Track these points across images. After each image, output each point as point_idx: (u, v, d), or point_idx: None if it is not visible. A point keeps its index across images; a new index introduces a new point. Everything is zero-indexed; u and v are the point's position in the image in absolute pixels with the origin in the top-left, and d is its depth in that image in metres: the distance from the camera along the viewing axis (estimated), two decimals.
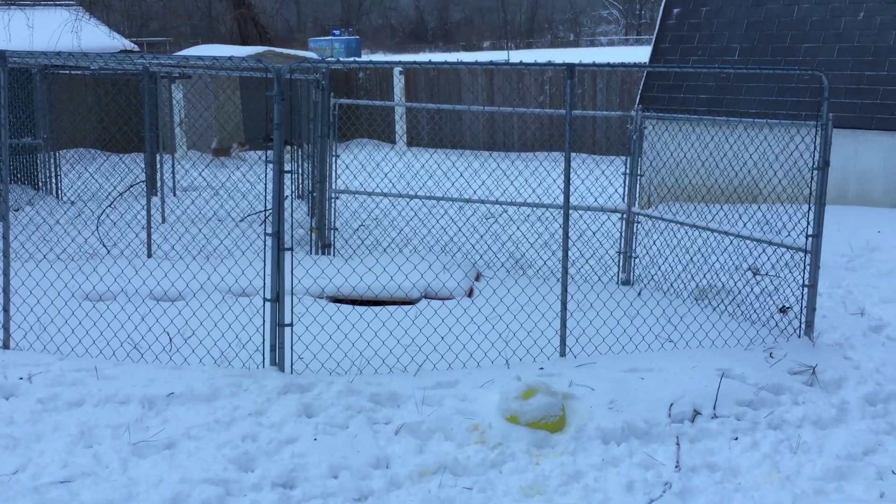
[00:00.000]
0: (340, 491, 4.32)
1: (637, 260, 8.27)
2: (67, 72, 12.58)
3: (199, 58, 6.06)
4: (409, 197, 9.15)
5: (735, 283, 7.61)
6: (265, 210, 9.52)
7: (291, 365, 5.65)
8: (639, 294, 7.53)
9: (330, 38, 48.15)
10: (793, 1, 12.30)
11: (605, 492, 4.39)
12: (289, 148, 10.96)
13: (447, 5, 78.26)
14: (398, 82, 20.07)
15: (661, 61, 12.74)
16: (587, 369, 5.66)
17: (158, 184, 11.39)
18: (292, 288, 5.81)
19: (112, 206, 11.41)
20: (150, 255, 9.01)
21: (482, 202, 8.94)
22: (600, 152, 17.56)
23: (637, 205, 8.21)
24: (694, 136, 8.01)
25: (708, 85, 12.24)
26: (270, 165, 5.44)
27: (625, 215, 8.21)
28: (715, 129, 7.97)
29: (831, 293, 7.70)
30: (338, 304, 7.11)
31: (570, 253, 6.36)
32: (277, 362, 5.61)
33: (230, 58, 5.76)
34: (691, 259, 8.22)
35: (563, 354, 5.99)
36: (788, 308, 6.88)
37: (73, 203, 11.97)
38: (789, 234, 6.99)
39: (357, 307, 6.94)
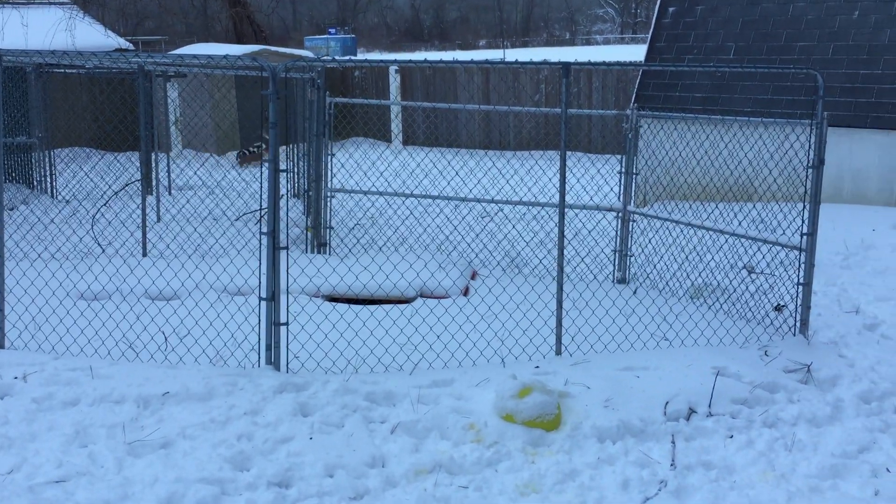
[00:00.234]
0: (336, 490, 4.32)
1: (632, 258, 8.28)
2: (62, 70, 12.54)
3: (195, 56, 6.06)
4: (405, 196, 9.15)
5: (730, 281, 7.62)
6: (260, 209, 9.50)
7: (287, 364, 5.64)
8: (634, 292, 7.54)
9: (326, 36, 48.07)
10: None
11: (601, 490, 4.40)
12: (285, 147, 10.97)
13: (443, 4, 78.25)
14: (394, 81, 20.06)
15: (656, 60, 12.75)
16: (583, 368, 5.66)
17: (153, 182, 11.38)
18: (288, 287, 5.81)
19: (107, 204, 11.39)
20: (145, 254, 8.99)
21: (478, 201, 8.95)
22: (596, 151, 17.57)
23: (632, 203, 8.22)
24: (689, 134, 8.02)
25: (703, 84, 12.26)
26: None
27: (620, 214, 8.22)
28: (710, 128, 7.98)
29: (826, 291, 7.71)
30: (333, 303, 7.11)
31: (565, 251, 6.36)
32: (273, 361, 5.61)
33: (225, 56, 5.76)
34: (687, 257, 8.23)
35: (558, 353, 5.99)
36: (783, 306, 6.89)
37: (67, 202, 11.95)
38: (784, 233, 7.00)
39: (353, 306, 6.94)
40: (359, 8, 74.91)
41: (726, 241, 7.94)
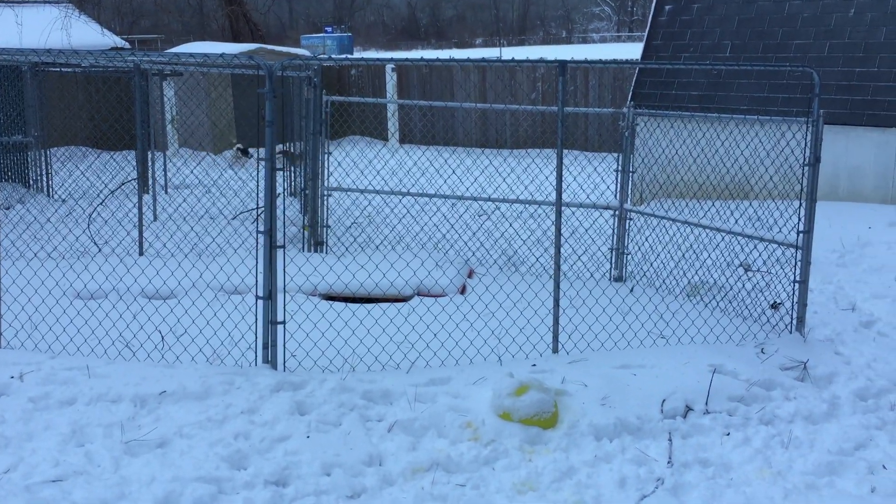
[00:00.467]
0: (333, 488, 4.32)
1: (629, 256, 8.29)
2: (58, 69, 12.52)
3: (191, 55, 6.05)
4: (402, 194, 9.15)
5: (727, 279, 7.63)
6: (257, 208, 9.50)
7: (284, 363, 5.64)
8: (631, 290, 7.55)
9: (322, 35, 48.01)
10: None
11: (598, 488, 4.40)
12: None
13: (439, 2, 78.22)
14: (390, 79, 20.05)
15: (652, 58, 12.75)
16: (580, 366, 5.67)
17: (150, 181, 11.36)
18: (285, 285, 5.81)
19: (103, 203, 11.37)
20: (141, 253, 8.98)
21: (474, 199, 8.94)
22: (592, 149, 17.58)
23: (629, 201, 8.23)
24: (686, 132, 8.03)
25: (699, 81, 12.26)
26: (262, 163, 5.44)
27: (617, 212, 8.22)
28: (706, 126, 7.98)
29: (822, 289, 7.72)
30: (330, 302, 7.11)
31: (562, 250, 6.37)
32: (270, 360, 5.61)
33: (222, 55, 5.75)
34: (683, 255, 8.23)
35: (555, 351, 6.00)
36: (780, 304, 6.90)
37: (64, 201, 11.93)
38: (780, 231, 7.01)
39: (350, 304, 6.94)
40: (355, 6, 74.87)
41: (723, 238, 7.94)
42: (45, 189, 12.61)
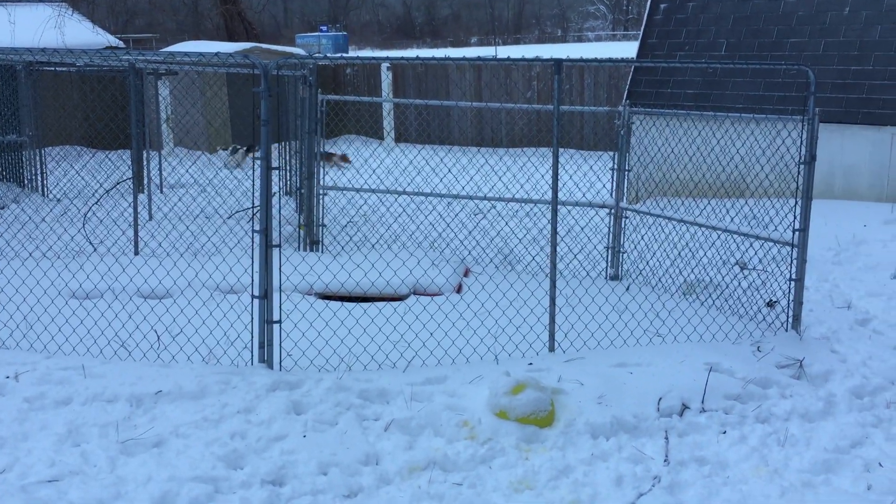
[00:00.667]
0: (330, 488, 4.32)
1: (625, 255, 8.29)
2: (53, 68, 12.49)
3: (186, 54, 6.03)
4: (398, 193, 9.14)
5: (722, 277, 7.64)
6: (253, 207, 9.49)
7: (280, 362, 5.63)
8: (627, 289, 7.55)
9: (317, 34, 47.97)
10: None
11: (595, 486, 4.40)
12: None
13: (434, 1, 78.20)
14: (386, 78, 20.03)
15: (648, 56, 12.76)
16: (576, 364, 5.67)
17: (145, 181, 11.34)
18: (280, 285, 5.80)
19: (98, 203, 11.34)
20: (136, 253, 8.96)
21: (470, 198, 8.94)
22: (588, 148, 17.59)
23: (625, 200, 8.23)
24: (681, 131, 8.03)
25: (695, 80, 12.27)
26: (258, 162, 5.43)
27: (613, 210, 8.23)
28: (702, 124, 7.99)
29: (818, 287, 7.74)
30: (326, 301, 7.10)
31: (558, 248, 6.37)
32: (266, 359, 5.60)
33: (217, 54, 5.74)
34: (679, 254, 8.24)
35: (551, 350, 6.00)
36: (776, 302, 6.91)
37: (58, 200, 11.90)
38: (776, 229, 7.02)
39: (346, 303, 6.93)
40: (350, 5, 74.80)
41: (718, 237, 7.95)
42: (39, 188, 12.58)
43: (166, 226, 10.17)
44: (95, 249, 9.02)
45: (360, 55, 32.03)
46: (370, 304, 6.97)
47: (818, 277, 7.98)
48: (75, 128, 17.09)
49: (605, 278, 8.16)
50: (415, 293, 7.39)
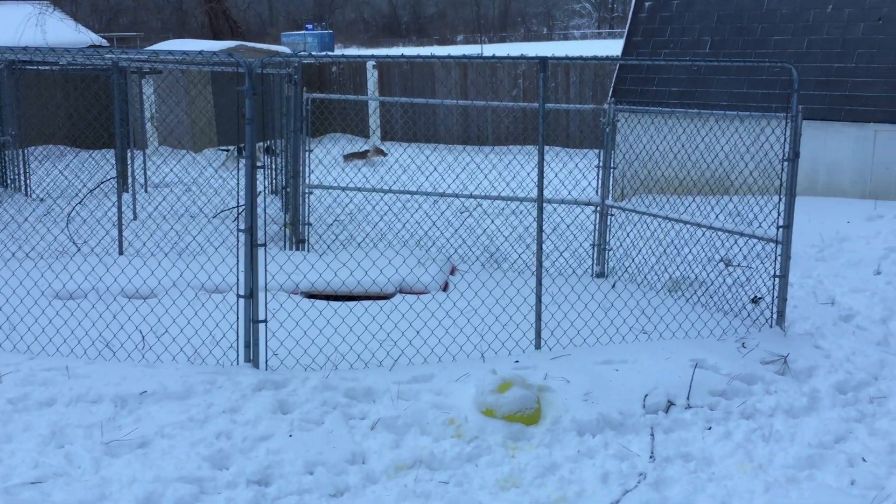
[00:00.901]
0: (316, 487, 4.31)
1: (611, 252, 8.32)
2: (35, 67, 12.39)
3: (170, 52, 6.00)
4: (383, 192, 9.13)
5: (707, 274, 7.67)
6: (238, 206, 9.45)
7: (266, 361, 5.62)
8: (613, 286, 7.57)
9: (303, 32, 47.87)
10: None
11: (581, 483, 4.41)
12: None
13: None
14: (371, 76, 20.00)
15: (633, 54, 12.79)
16: (562, 362, 5.68)
17: (129, 180, 11.27)
18: (266, 284, 5.77)
19: (82, 202, 11.27)
20: (121, 253, 8.91)
21: (456, 196, 8.94)
22: (574, 145, 17.62)
23: (610, 197, 8.25)
24: (666, 128, 8.06)
25: (680, 78, 12.31)
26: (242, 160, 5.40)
27: (598, 208, 8.25)
28: (687, 122, 8.02)
29: (802, 283, 7.78)
30: (312, 300, 7.08)
31: (544, 246, 6.38)
32: (252, 359, 5.58)
33: (201, 52, 5.71)
34: (664, 251, 8.27)
35: (538, 347, 6.00)
36: (760, 298, 6.94)
37: (42, 200, 11.82)
38: (760, 226, 7.05)
39: (332, 302, 6.92)
40: (336, 4, 74.63)
41: (703, 234, 7.99)
42: (22, 188, 12.49)
43: (151, 225, 10.11)
44: (79, 249, 8.96)
45: (345, 53, 31.96)
46: (356, 302, 6.96)
47: (802, 274, 8.03)
48: (58, 127, 16.96)
49: (591, 276, 8.18)
50: (401, 291, 7.38)
